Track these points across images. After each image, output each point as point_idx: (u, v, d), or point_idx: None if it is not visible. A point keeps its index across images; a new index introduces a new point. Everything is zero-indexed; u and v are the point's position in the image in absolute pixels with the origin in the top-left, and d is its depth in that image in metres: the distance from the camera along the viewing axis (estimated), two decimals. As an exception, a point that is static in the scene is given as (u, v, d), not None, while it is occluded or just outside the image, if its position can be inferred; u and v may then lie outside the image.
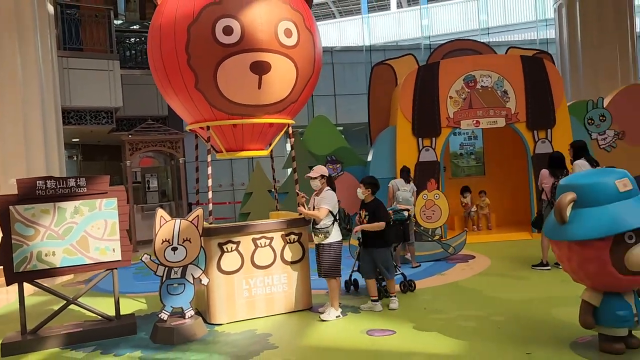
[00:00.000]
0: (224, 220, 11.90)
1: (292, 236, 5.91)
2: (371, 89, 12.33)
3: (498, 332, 4.81)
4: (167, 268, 5.20)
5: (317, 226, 5.52)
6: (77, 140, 15.06)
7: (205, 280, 5.37)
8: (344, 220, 5.76)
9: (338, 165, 11.46)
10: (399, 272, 6.53)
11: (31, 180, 5.16)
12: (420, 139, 10.24)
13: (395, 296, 5.87)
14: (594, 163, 6.90)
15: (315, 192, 5.70)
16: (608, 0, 13.92)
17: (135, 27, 16.29)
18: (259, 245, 5.76)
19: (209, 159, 5.89)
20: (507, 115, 10.21)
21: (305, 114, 15.62)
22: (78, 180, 5.30)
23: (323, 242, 5.53)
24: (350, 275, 6.67)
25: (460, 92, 10.23)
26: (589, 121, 11.15)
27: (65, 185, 5.23)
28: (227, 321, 5.58)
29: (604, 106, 11.23)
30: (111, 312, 5.54)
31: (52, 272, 5.23)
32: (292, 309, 5.87)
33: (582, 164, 6.88)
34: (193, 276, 5.27)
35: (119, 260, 5.45)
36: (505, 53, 11.90)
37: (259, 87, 5.57)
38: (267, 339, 5.02)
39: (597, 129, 11.14)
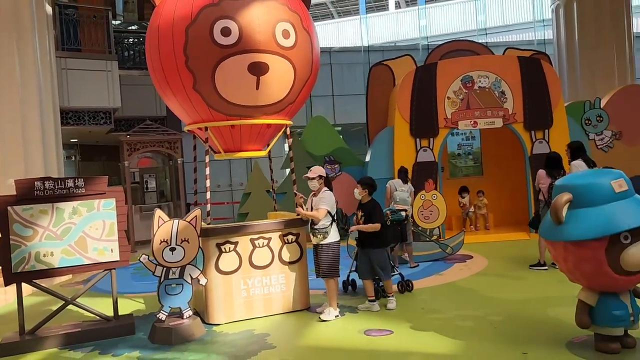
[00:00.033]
0: (222, 221, 11.90)
1: (290, 236, 5.92)
2: (369, 89, 12.37)
3: (495, 332, 4.84)
4: (165, 268, 5.21)
5: (316, 227, 5.54)
6: (76, 140, 15.05)
7: (203, 281, 5.38)
8: (342, 221, 5.78)
9: (336, 166, 11.48)
10: (396, 272, 6.56)
11: (29, 181, 5.18)
12: (418, 140, 10.27)
13: (392, 296, 5.89)
14: (591, 164, 6.93)
15: (313, 193, 5.72)
16: (605, 1, 13.94)
17: (133, 27, 16.28)
18: (257, 245, 5.78)
19: (207, 160, 5.91)
20: (505, 115, 10.24)
21: (303, 114, 15.63)
22: (76, 181, 5.32)
23: (322, 243, 5.55)
24: (348, 276, 6.69)
25: (457, 92, 10.25)
26: (587, 121, 11.18)
27: (63, 186, 5.25)
28: (225, 321, 5.59)
29: (601, 107, 11.27)
30: (109, 313, 5.56)
31: (51, 272, 5.24)
32: (290, 309, 5.88)
33: (579, 165, 6.92)
34: (191, 276, 5.28)
35: (117, 261, 5.47)
36: (503, 54, 11.93)
37: (257, 88, 5.59)
38: (265, 339, 5.04)
39: (595, 130, 11.18)
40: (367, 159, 11.19)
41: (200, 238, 5.33)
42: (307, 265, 6.03)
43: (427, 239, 8.71)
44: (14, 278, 5.08)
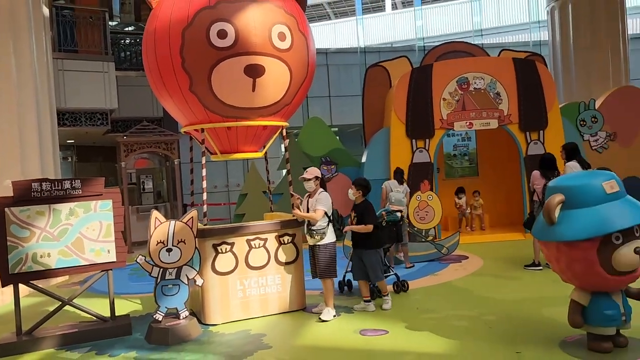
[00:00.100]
0: (219, 222, 11.92)
1: (286, 237, 5.96)
2: (365, 90, 12.41)
3: (489, 332, 4.88)
4: (161, 269, 5.23)
5: (313, 228, 5.56)
6: (72, 141, 15.04)
7: (199, 281, 5.41)
8: (338, 222, 5.81)
9: (333, 167, 11.51)
10: (392, 273, 6.60)
11: (26, 182, 5.20)
12: (414, 141, 10.31)
13: (388, 296, 5.92)
14: (585, 165, 6.99)
15: (309, 194, 5.76)
16: (600, 2, 14.01)
17: (130, 28, 16.28)
18: (253, 246, 5.81)
19: (204, 161, 5.94)
20: (500, 116, 10.30)
21: (300, 115, 15.64)
22: (73, 182, 5.34)
23: (319, 244, 5.59)
24: (344, 276, 6.72)
25: (453, 94, 10.30)
26: (581, 122, 11.25)
27: (60, 187, 5.27)
28: (222, 321, 5.62)
29: (596, 108, 11.34)
30: (106, 313, 5.58)
31: (48, 273, 5.26)
32: (286, 310, 5.92)
33: (573, 166, 6.98)
34: (188, 277, 5.31)
35: (114, 262, 5.49)
36: (498, 55, 11.99)
37: (253, 90, 5.62)
38: (261, 339, 5.07)
39: (589, 131, 11.25)
40: (364, 159, 11.23)
41: (196, 239, 5.35)
42: (303, 265, 6.07)
43: (423, 240, 8.76)
44: (11, 279, 5.10)
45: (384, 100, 11.88)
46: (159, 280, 5.24)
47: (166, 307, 5.27)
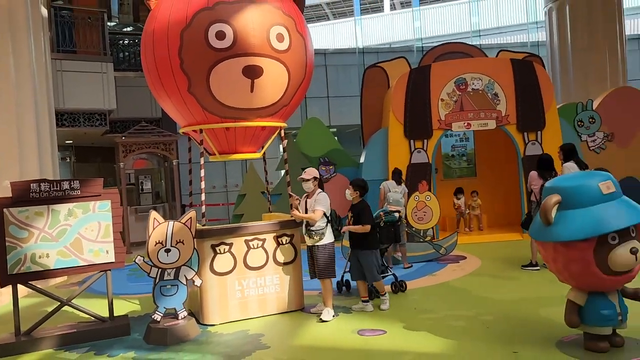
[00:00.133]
0: (217, 222, 11.93)
1: (285, 238, 5.97)
2: (363, 91, 12.43)
3: (486, 332, 4.90)
4: (160, 269, 5.25)
5: (312, 228, 5.58)
6: (71, 142, 15.03)
7: (198, 282, 5.43)
8: (335, 222, 5.83)
9: (331, 167, 11.53)
10: (390, 273, 6.62)
11: (25, 183, 5.20)
12: (412, 141, 10.34)
13: (386, 296, 5.94)
14: (583, 166, 7.01)
15: (307, 194, 5.77)
16: (598, 3, 14.06)
17: (128, 29, 16.27)
18: (252, 246, 5.82)
19: (202, 162, 5.95)
20: (498, 117, 10.33)
21: (298, 116, 15.67)
22: (72, 183, 5.35)
23: (318, 244, 5.60)
24: (342, 276, 6.74)
25: (451, 94, 10.33)
26: (579, 123, 11.29)
27: (59, 188, 5.28)
28: (220, 322, 5.64)
29: (594, 108, 11.38)
30: (105, 314, 5.58)
31: (46, 273, 5.27)
32: (285, 310, 5.93)
33: (570, 167, 7.02)
34: (186, 277, 5.33)
35: (112, 262, 5.51)
36: (496, 56, 12.02)
37: (252, 91, 5.63)
38: (259, 339, 5.08)
39: (587, 131, 11.29)
40: (362, 160, 11.25)
41: (195, 239, 5.37)
42: (301, 266, 6.08)
43: (421, 240, 8.78)
44: (10, 279, 5.11)
45: (382, 101, 11.90)
46: (157, 280, 5.25)
47: (165, 308, 5.29)
